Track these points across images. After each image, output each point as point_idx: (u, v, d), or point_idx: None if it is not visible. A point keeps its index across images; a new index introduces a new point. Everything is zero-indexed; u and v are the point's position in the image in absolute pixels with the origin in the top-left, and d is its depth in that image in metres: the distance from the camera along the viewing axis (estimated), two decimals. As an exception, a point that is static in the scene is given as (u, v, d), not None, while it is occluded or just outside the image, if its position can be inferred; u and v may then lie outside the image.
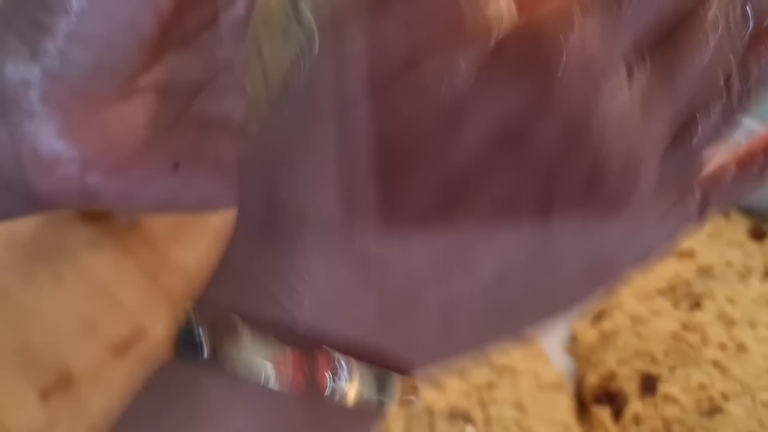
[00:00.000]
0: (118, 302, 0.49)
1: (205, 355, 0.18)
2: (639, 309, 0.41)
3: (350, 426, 0.19)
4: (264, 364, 0.17)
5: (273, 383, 0.17)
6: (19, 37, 0.22)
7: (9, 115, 0.22)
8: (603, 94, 0.17)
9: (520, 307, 0.20)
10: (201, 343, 0.18)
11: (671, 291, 0.41)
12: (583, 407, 0.40)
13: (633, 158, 0.18)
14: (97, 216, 0.54)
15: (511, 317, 0.20)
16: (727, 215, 0.45)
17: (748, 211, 0.46)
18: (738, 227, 0.44)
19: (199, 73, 0.25)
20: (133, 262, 0.51)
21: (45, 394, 0.45)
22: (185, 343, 0.19)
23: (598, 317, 0.43)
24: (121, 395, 0.44)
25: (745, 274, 0.41)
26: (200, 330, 0.18)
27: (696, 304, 0.40)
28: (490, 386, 0.38)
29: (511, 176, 0.18)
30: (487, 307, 0.19)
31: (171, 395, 0.19)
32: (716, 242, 0.43)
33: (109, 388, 0.45)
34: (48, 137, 0.23)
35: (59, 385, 0.46)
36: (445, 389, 0.37)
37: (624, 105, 0.18)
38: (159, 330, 0.48)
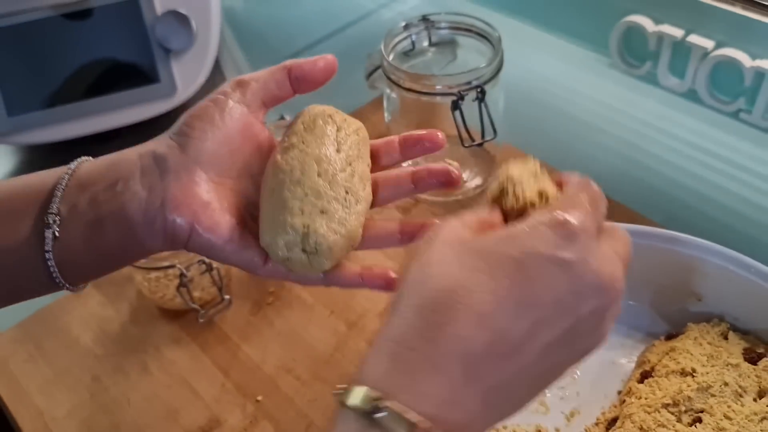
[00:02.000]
0: (195, 393, 0.57)
1: None
2: (647, 420, 0.47)
3: None
4: None
5: None
6: (176, 136, 0.39)
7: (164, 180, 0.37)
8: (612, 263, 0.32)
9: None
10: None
11: (675, 406, 0.48)
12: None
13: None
14: (178, 315, 0.62)
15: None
16: (725, 336, 0.52)
17: (744, 333, 0.53)
18: (734, 349, 0.51)
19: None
20: (208, 358, 0.59)
21: (133, 474, 0.53)
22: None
23: (611, 424, 0.50)
24: None
25: (740, 393, 0.48)
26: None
27: (697, 419, 0.47)
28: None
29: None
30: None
31: None
32: (715, 363, 0.49)
33: (188, 471, 0.52)
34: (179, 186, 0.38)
35: (145, 466, 0.53)
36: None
37: (618, 269, 0.32)
38: (231, 420, 0.55)
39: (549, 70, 0.85)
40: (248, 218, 0.40)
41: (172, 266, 0.57)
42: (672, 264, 0.54)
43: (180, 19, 0.76)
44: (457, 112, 0.61)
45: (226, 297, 0.61)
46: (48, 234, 0.37)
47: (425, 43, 0.70)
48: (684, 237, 0.54)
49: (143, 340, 0.61)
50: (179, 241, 0.38)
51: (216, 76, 0.83)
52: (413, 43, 0.68)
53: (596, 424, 0.51)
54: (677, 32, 0.76)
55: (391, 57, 0.64)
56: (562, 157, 0.73)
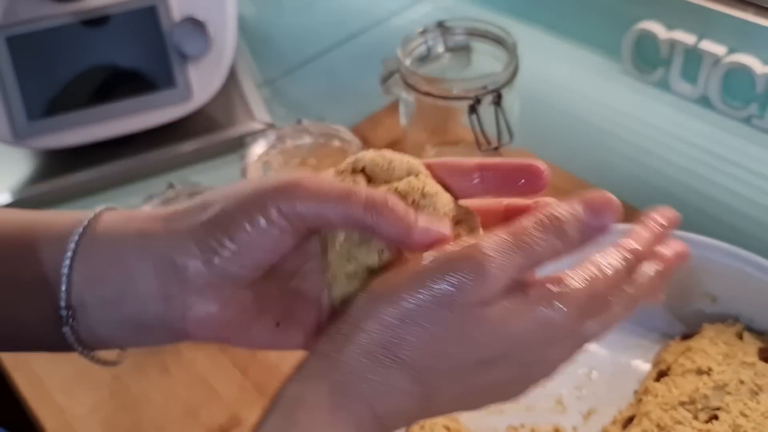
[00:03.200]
0: (215, 392, 0.58)
1: None
2: (664, 418, 0.48)
3: None
4: None
5: None
6: (201, 248, 0.33)
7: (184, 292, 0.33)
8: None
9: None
10: None
11: (692, 404, 0.48)
12: (616, 503, 0.47)
13: None
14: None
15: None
16: (740, 337, 0.53)
17: (759, 333, 0.53)
18: (750, 348, 0.51)
19: (296, 262, 0.36)
20: (227, 358, 0.60)
21: (154, 471, 0.53)
22: None
23: (628, 422, 0.50)
24: None
25: (756, 392, 0.48)
26: None
27: (713, 417, 0.47)
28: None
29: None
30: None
31: None
32: (731, 362, 0.50)
33: (209, 468, 0.53)
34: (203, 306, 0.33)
35: (166, 463, 0.54)
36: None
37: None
38: (251, 418, 0.56)
39: (562, 76, 0.86)
40: (286, 310, 0.36)
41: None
42: (686, 266, 0.55)
43: (197, 25, 0.77)
44: (474, 116, 0.62)
45: (245, 297, 0.62)
46: (66, 330, 0.34)
47: (440, 49, 0.71)
48: (698, 238, 0.54)
49: (163, 340, 0.62)
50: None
51: (230, 81, 0.84)
52: (429, 48, 0.69)
53: (613, 422, 0.52)
54: (689, 38, 0.77)
55: (407, 62, 0.65)
56: (575, 160, 0.73)
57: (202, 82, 0.79)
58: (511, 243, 0.30)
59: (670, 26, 0.79)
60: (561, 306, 0.30)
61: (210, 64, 0.79)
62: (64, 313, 0.33)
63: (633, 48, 0.82)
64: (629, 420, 0.51)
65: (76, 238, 0.34)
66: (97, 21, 0.77)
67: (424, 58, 0.70)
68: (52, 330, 0.34)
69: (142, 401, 0.58)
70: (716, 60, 0.75)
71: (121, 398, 0.58)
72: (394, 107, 0.81)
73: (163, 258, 0.33)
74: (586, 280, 0.31)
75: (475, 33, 0.68)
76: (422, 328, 0.29)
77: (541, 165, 0.34)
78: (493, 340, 0.30)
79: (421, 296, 0.29)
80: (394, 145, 0.78)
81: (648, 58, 0.82)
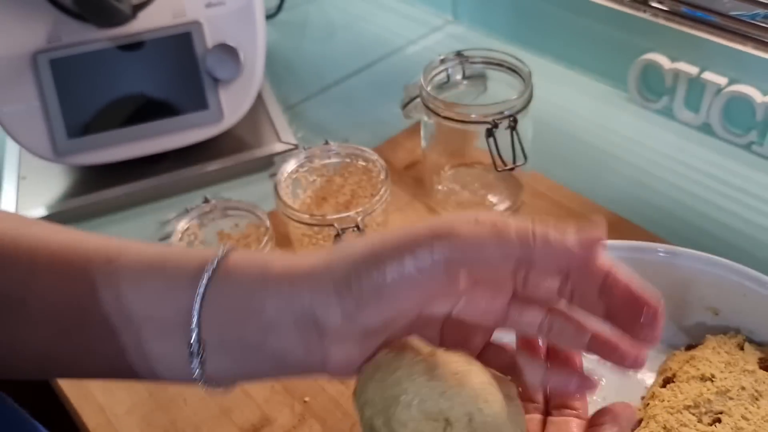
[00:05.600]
0: (247, 394, 0.61)
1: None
2: (670, 420, 0.51)
3: None
4: None
5: None
6: (343, 304, 0.33)
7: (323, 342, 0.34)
8: None
9: None
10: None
11: (696, 408, 0.52)
12: (625, 499, 0.50)
13: None
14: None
15: None
16: (741, 348, 0.56)
17: (759, 344, 0.57)
18: (750, 358, 0.55)
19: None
20: (258, 362, 0.63)
21: (191, 466, 0.57)
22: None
23: (636, 425, 0.54)
24: None
25: (756, 397, 0.52)
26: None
27: (716, 420, 0.51)
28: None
29: None
30: None
31: None
32: (732, 370, 0.54)
33: (242, 464, 0.56)
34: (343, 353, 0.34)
35: (202, 459, 0.57)
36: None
37: None
38: (280, 419, 0.59)
39: (571, 104, 0.90)
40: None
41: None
42: (691, 280, 0.59)
43: (229, 51, 0.82)
44: (491, 140, 0.66)
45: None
46: (195, 363, 0.34)
47: (459, 77, 0.75)
48: (701, 254, 0.58)
49: (196, 345, 0.65)
50: None
51: (258, 104, 0.89)
52: (449, 76, 0.74)
53: (622, 426, 0.55)
54: (692, 69, 0.81)
55: (429, 88, 0.69)
56: (584, 181, 0.78)
57: (232, 105, 0.83)
58: None
59: (674, 58, 0.83)
60: None
61: (240, 87, 0.83)
62: (194, 349, 0.33)
63: (638, 78, 0.87)
64: (637, 423, 0.54)
65: (206, 277, 0.34)
66: (134, 46, 0.82)
67: (444, 85, 0.75)
68: (179, 366, 0.34)
69: (178, 402, 0.61)
70: (718, 90, 0.80)
71: (158, 399, 0.62)
72: (412, 131, 0.86)
73: (304, 313, 0.33)
74: None
75: (491, 62, 0.72)
76: None
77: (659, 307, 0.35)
78: None
79: None
80: (414, 165, 0.82)
81: (653, 88, 0.87)
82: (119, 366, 0.36)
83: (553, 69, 0.96)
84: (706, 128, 0.83)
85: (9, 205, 0.83)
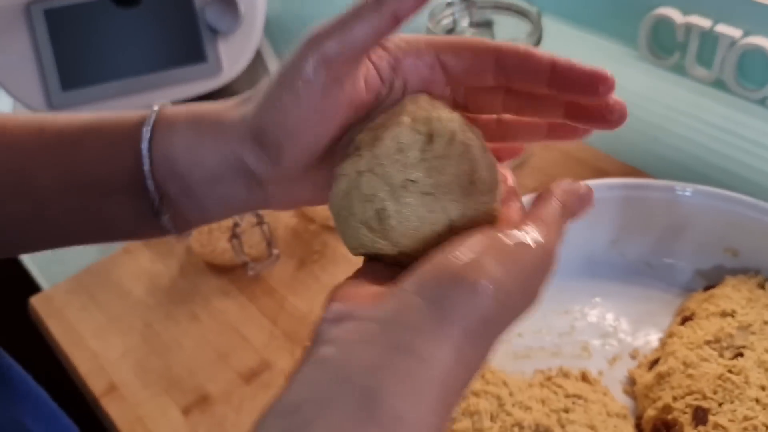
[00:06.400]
0: (245, 340, 0.59)
1: None
2: (690, 356, 0.49)
3: None
4: None
5: None
6: (263, 148, 0.33)
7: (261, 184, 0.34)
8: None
9: None
10: None
11: (717, 342, 0.49)
12: (642, 438, 0.48)
13: None
14: (225, 271, 0.64)
15: None
16: (762, 286, 0.54)
17: (781, 283, 0.55)
18: (773, 294, 0.52)
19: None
20: (256, 308, 0.61)
21: (186, 411, 0.54)
22: None
23: (654, 363, 0.51)
24: (249, 412, 0.56)
25: (780, 332, 0.50)
26: None
27: (738, 354, 0.48)
28: (567, 410, 0.46)
29: None
30: None
31: None
32: (754, 305, 0.51)
33: (240, 407, 0.54)
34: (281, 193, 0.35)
35: (198, 403, 0.55)
36: (531, 410, 0.46)
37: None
38: (281, 363, 0.57)
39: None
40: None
41: (225, 216, 0.59)
42: (708, 220, 0.56)
43: (228, 2, 0.80)
44: (500, 80, 0.63)
45: (275, 251, 0.63)
46: (164, 219, 0.35)
47: (465, 23, 0.73)
48: (721, 192, 0.56)
49: (192, 292, 0.63)
50: None
51: (256, 59, 0.87)
52: (455, 20, 0.71)
53: (639, 366, 0.53)
54: (705, 22, 0.79)
55: (436, 31, 0.67)
56: (595, 137, 0.75)
57: (231, 58, 0.81)
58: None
59: (686, 11, 0.81)
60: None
61: (239, 40, 0.81)
62: (156, 203, 0.35)
63: (649, 33, 0.84)
64: (654, 362, 0.52)
65: (148, 132, 0.34)
66: (131, -3, 0.79)
67: (449, 32, 0.72)
68: (144, 220, 0.35)
69: (173, 347, 0.59)
70: (732, 42, 0.77)
71: (152, 344, 0.59)
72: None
73: (238, 163, 0.33)
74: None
75: (500, 5, 0.70)
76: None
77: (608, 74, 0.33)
78: None
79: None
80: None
81: (664, 44, 0.84)
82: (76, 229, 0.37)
83: (561, 29, 0.93)
84: (719, 84, 0.81)
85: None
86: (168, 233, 0.36)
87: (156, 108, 0.35)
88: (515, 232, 0.29)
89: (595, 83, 0.33)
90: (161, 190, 0.35)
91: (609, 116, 0.34)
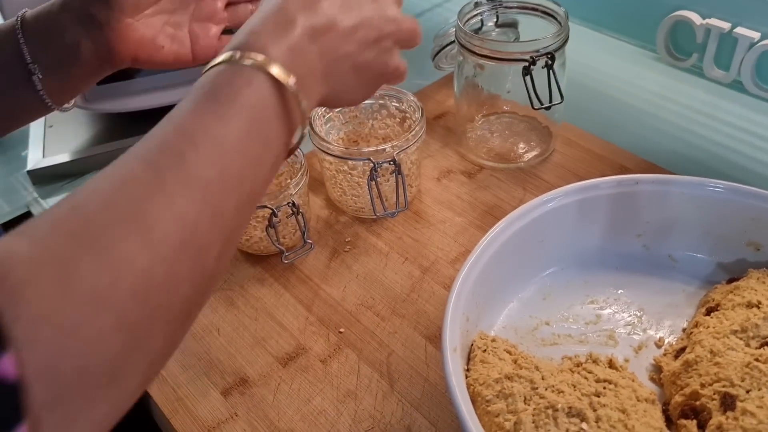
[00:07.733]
0: (281, 325, 0.60)
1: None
2: (716, 344, 0.50)
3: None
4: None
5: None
6: None
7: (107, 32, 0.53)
8: None
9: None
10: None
11: (743, 332, 0.51)
12: (669, 423, 0.50)
13: None
14: (260, 259, 0.66)
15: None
16: (786, 278, 0.56)
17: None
18: (796, 287, 0.54)
19: None
20: (291, 296, 0.63)
21: (226, 392, 0.56)
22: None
23: (680, 351, 0.53)
24: (286, 394, 0.57)
25: (804, 323, 0.51)
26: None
27: (765, 343, 0.50)
28: (598, 394, 0.48)
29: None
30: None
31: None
32: (779, 297, 0.53)
33: (278, 389, 0.56)
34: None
35: (237, 385, 0.56)
36: (564, 393, 0.47)
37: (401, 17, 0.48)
38: (316, 348, 0.58)
39: (600, 65, 0.90)
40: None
41: (263, 206, 0.61)
42: (732, 215, 0.58)
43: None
44: (528, 78, 0.65)
45: (309, 241, 0.65)
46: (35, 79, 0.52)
47: (491, 23, 0.75)
48: (745, 188, 0.57)
49: (228, 280, 0.65)
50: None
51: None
52: (482, 21, 0.73)
53: (664, 354, 0.54)
54: (724, 25, 0.81)
55: (465, 29, 0.69)
56: (616, 134, 0.77)
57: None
58: None
59: (705, 15, 0.83)
60: None
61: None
62: (31, 66, 0.51)
63: (667, 36, 0.86)
64: (681, 351, 0.53)
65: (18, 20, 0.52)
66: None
67: (476, 32, 0.74)
68: (24, 89, 0.52)
69: (212, 331, 0.61)
70: (750, 44, 0.79)
71: (191, 328, 0.61)
72: (441, 83, 0.85)
73: (84, 14, 0.51)
74: None
75: (526, 6, 0.72)
76: None
77: None
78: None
79: None
80: (444, 116, 0.81)
81: (682, 46, 0.86)
82: None
83: (581, 31, 0.95)
84: (736, 85, 0.83)
85: (37, 151, 0.82)
86: (43, 100, 0.52)
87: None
88: None
89: None
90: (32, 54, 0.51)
91: None
